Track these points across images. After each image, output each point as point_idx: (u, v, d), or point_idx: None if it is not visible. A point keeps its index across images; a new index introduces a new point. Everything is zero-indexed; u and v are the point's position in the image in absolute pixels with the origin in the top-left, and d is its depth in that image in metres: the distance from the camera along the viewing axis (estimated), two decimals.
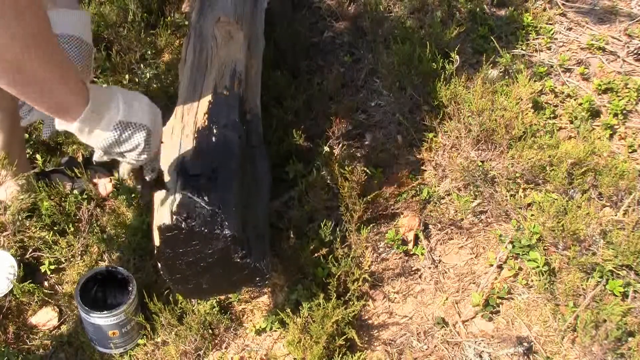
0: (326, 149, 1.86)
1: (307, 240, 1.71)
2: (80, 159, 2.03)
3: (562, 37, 2.34)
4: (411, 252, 1.76)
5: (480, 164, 1.86)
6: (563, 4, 2.44)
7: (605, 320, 1.48)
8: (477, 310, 1.64)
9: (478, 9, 2.36)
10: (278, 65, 2.17)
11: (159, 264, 1.31)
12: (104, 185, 1.94)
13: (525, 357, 1.53)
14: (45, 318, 1.68)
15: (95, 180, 1.94)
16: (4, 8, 0.79)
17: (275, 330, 1.64)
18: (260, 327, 1.64)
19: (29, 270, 1.73)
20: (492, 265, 1.70)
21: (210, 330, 1.63)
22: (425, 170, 1.94)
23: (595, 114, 2.07)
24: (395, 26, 2.30)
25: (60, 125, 1.00)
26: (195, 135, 1.39)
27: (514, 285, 1.67)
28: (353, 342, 1.54)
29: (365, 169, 1.73)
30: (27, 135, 2.03)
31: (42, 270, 1.75)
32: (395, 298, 1.70)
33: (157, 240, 1.25)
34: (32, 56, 0.85)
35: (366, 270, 1.61)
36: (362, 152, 1.99)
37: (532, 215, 1.73)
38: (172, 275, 1.32)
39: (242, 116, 1.52)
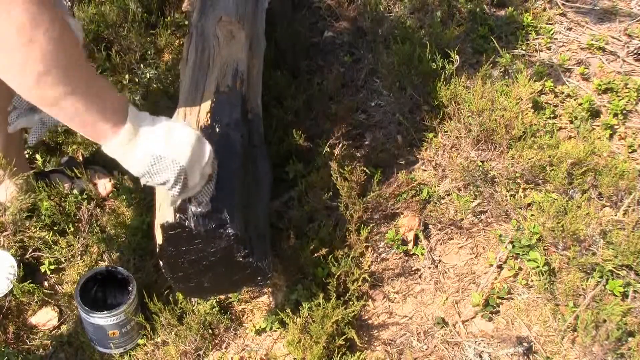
0: (326, 149, 1.86)
1: (307, 240, 1.71)
2: (80, 159, 2.03)
3: (562, 37, 2.34)
4: (411, 252, 1.76)
5: (480, 164, 1.86)
6: (563, 4, 2.44)
7: (605, 320, 1.48)
8: (477, 310, 1.64)
9: (478, 9, 2.36)
10: (278, 65, 2.17)
11: (161, 262, 1.30)
12: (104, 185, 1.94)
13: (525, 357, 1.53)
14: (45, 318, 1.68)
15: (95, 180, 1.94)
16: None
17: (275, 330, 1.64)
18: (260, 327, 1.64)
19: (29, 270, 1.73)
20: (492, 265, 1.70)
21: (210, 330, 1.63)
22: (425, 170, 1.94)
23: (595, 114, 2.07)
24: (395, 26, 2.30)
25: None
26: None
27: (514, 285, 1.67)
28: (353, 342, 1.54)
29: (365, 169, 1.73)
30: (26, 135, 2.03)
31: (42, 270, 1.75)
32: (395, 298, 1.70)
33: (159, 239, 1.25)
34: (74, 98, 0.88)
35: (366, 270, 1.61)
36: (362, 152, 1.99)
37: (532, 215, 1.73)
38: (173, 274, 1.32)
39: (244, 115, 1.52)
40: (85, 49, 1.26)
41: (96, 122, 0.93)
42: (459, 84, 1.95)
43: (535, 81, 2.01)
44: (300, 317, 1.51)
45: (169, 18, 2.44)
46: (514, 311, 1.63)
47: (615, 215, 1.74)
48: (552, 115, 2.04)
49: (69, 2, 2.37)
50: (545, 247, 1.69)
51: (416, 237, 1.78)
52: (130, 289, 1.56)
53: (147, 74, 2.24)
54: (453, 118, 1.93)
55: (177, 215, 1.20)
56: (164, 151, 0.99)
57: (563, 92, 2.12)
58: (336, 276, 1.58)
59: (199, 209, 1.15)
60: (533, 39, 2.32)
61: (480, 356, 1.54)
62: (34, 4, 0.80)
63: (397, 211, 1.81)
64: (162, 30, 2.35)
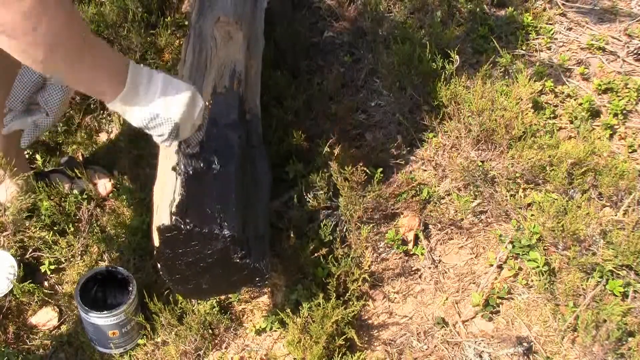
0: (326, 149, 1.86)
1: (307, 240, 1.71)
2: (80, 159, 2.03)
3: (562, 37, 2.34)
4: (411, 252, 1.76)
5: (480, 164, 1.86)
6: (563, 4, 2.44)
7: (605, 320, 1.48)
8: (477, 310, 1.64)
9: (478, 9, 2.36)
10: (278, 65, 2.17)
11: (159, 265, 1.31)
12: (104, 185, 1.94)
13: (525, 357, 1.53)
14: (45, 318, 1.68)
15: (95, 180, 1.94)
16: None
17: (275, 330, 1.64)
18: (260, 327, 1.64)
19: (29, 270, 1.73)
20: (492, 265, 1.70)
21: (210, 330, 1.63)
22: (426, 170, 1.94)
23: (595, 114, 2.07)
24: (395, 26, 2.30)
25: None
26: None
27: (514, 285, 1.67)
28: (353, 342, 1.54)
29: (365, 169, 1.73)
30: None
31: (42, 270, 1.75)
32: (395, 298, 1.70)
33: (156, 241, 1.25)
34: (81, 69, 0.99)
35: (366, 270, 1.61)
36: (362, 152, 1.99)
37: (532, 215, 1.73)
38: (171, 276, 1.32)
39: (241, 116, 1.52)
40: None
41: (101, 86, 1.05)
42: (459, 84, 1.95)
43: (535, 81, 2.01)
44: (300, 317, 1.51)
45: (169, 18, 2.44)
46: (514, 311, 1.63)
47: (615, 215, 1.73)
48: (552, 115, 2.04)
49: None
50: (545, 247, 1.69)
51: (416, 237, 1.78)
52: (130, 289, 1.56)
53: None
54: (453, 118, 1.93)
55: (174, 217, 1.20)
56: (160, 110, 1.09)
57: (563, 92, 2.11)
58: (336, 276, 1.58)
59: (188, 150, 1.27)
60: (533, 39, 2.32)
61: (480, 356, 1.54)
62: None
63: (397, 211, 1.81)
64: (162, 30, 2.35)
